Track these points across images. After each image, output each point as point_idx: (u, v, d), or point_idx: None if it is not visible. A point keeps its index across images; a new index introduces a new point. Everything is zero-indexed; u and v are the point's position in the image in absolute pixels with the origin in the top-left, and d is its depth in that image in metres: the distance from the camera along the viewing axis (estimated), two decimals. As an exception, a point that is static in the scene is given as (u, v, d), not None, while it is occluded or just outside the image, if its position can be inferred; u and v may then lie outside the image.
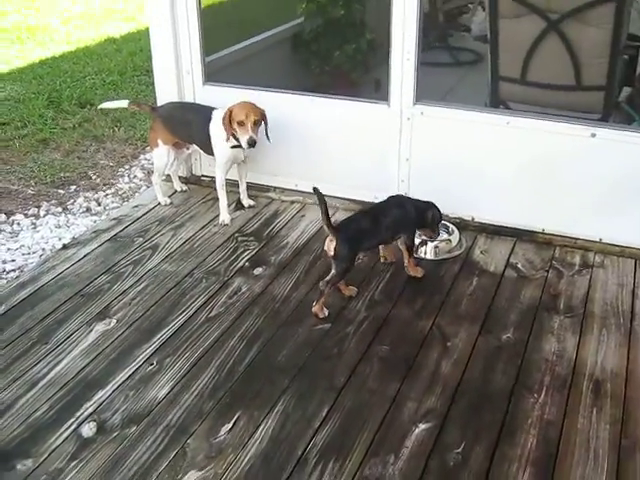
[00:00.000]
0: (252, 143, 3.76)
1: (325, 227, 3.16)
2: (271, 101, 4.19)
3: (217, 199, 4.09)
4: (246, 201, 4.23)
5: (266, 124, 3.87)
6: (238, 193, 4.24)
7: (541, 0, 3.84)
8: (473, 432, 2.58)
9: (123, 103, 4.38)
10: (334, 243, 3.14)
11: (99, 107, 4.86)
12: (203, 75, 4.29)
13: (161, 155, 4.15)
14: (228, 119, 3.80)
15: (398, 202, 3.40)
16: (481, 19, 5.05)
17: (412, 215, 3.37)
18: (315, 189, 3.12)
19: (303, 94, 4.23)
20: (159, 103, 4.36)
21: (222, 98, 4.22)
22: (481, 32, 4.62)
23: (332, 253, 3.15)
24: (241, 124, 3.76)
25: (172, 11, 4.15)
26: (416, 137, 3.88)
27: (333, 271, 3.19)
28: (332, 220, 3.21)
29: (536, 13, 3.86)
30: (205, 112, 4.01)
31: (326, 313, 3.22)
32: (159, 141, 4.11)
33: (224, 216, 4.05)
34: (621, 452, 2.49)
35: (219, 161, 4.01)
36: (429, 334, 3.11)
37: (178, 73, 4.31)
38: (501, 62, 4.11)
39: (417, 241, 3.59)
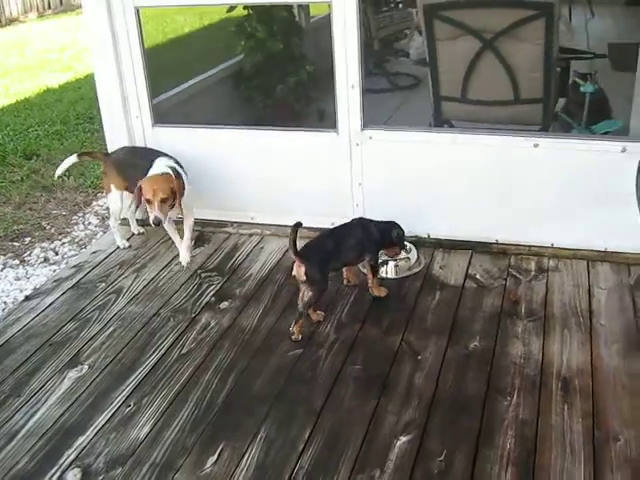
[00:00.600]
0: (157, 222, 3.68)
1: (292, 254, 3.23)
2: (220, 138, 4.29)
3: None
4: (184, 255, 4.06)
5: (180, 194, 3.78)
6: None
7: (475, 21, 4.00)
8: (453, 439, 2.65)
9: (72, 159, 4.28)
10: (303, 268, 3.21)
11: (56, 176, 4.66)
12: (152, 117, 4.33)
13: (115, 200, 4.17)
14: (138, 194, 3.74)
15: (361, 224, 3.50)
16: (419, 44, 5.22)
17: (375, 236, 3.47)
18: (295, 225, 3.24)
19: (252, 128, 4.33)
20: (110, 149, 4.39)
21: (172, 139, 4.31)
22: (419, 56, 4.79)
23: (303, 278, 3.23)
24: (149, 202, 3.69)
25: (116, 56, 4.19)
26: (367, 161, 3.98)
27: (310, 293, 3.27)
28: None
29: (471, 34, 4.02)
30: (148, 158, 3.94)
31: (299, 337, 3.28)
32: (112, 186, 4.13)
33: (183, 253, 4.04)
34: (595, 443, 2.59)
35: None
36: (399, 350, 3.19)
37: (127, 118, 4.34)
38: (442, 83, 4.25)
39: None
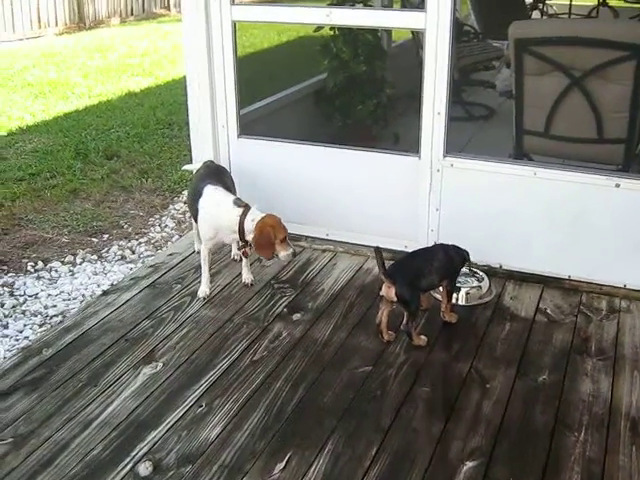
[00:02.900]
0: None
1: (381, 275, 3.34)
2: (301, 153, 4.38)
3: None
4: (246, 276, 4.05)
5: None
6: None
7: (565, 58, 4.03)
8: (519, 469, 2.67)
9: (198, 165, 4.31)
10: (393, 289, 3.30)
11: (182, 168, 4.84)
12: (237, 128, 4.45)
13: None
14: (271, 237, 3.60)
15: (443, 248, 3.56)
16: (506, 76, 5.25)
17: (456, 262, 3.52)
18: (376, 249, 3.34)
19: (333, 146, 4.40)
20: (194, 156, 4.53)
21: (255, 151, 4.42)
22: (505, 88, 4.82)
23: (394, 299, 3.32)
24: (283, 240, 3.63)
25: (209, 65, 4.33)
26: (446, 188, 4.03)
27: (406, 313, 3.36)
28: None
29: (560, 70, 4.06)
30: (201, 188, 3.86)
31: (424, 341, 3.45)
32: None
33: (203, 288, 3.93)
34: (663, 487, 2.59)
35: (203, 238, 3.89)
36: (468, 376, 3.22)
37: (213, 127, 4.47)
38: (526, 116, 4.29)
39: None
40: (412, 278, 3.38)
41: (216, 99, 4.41)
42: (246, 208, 3.69)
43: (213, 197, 3.80)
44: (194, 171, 4.29)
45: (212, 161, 4.31)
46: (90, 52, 11.82)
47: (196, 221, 3.96)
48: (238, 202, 3.74)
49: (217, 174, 4.07)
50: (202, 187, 3.86)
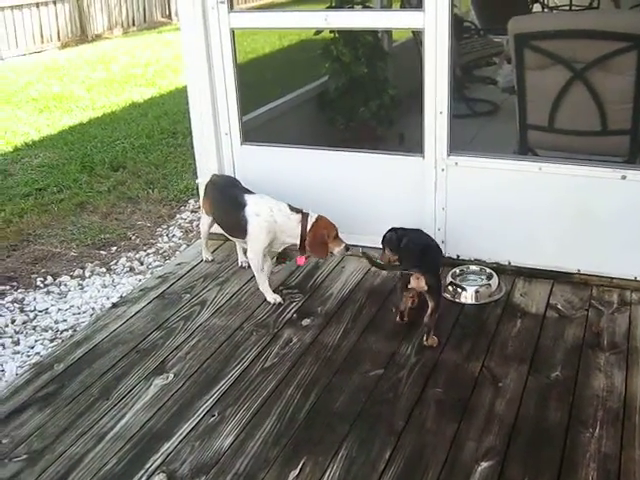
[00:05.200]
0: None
1: (412, 270, 3.40)
2: (305, 158, 4.38)
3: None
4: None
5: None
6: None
7: (566, 51, 4.01)
8: (534, 468, 2.66)
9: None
10: (423, 280, 3.35)
11: (197, 181, 4.75)
12: (240, 135, 4.45)
13: (203, 222, 4.30)
14: (325, 237, 3.77)
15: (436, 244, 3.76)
16: (507, 71, 5.23)
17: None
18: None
19: (338, 150, 4.39)
20: (198, 164, 4.54)
21: (259, 157, 4.42)
22: (508, 84, 4.80)
23: (426, 288, 3.37)
24: (336, 237, 3.81)
25: (210, 74, 4.32)
26: (451, 187, 4.02)
27: (432, 304, 3.40)
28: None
29: (562, 64, 4.03)
30: (240, 198, 3.92)
31: (435, 341, 3.44)
32: (203, 210, 4.28)
33: (272, 296, 3.95)
34: (681, 480, 2.57)
35: (256, 248, 3.88)
36: (480, 376, 3.20)
37: (216, 135, 4.47)
38: (529, 111, 4.27)
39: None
40: (437, 267, 3.52)
41: (218, 107, 4.41)
42: (304, 214, 3.80)
43: (263, 204, 3.86)
44: (201, 184, 4.32)
45: (217, 174, 4.36)
46: (93, 64, 11.86)
47: (236, 234, 4.00)
48: (293, 208, 3.84)
49: (237, 183, 4.18)
50: (240, 196, 3.92)
